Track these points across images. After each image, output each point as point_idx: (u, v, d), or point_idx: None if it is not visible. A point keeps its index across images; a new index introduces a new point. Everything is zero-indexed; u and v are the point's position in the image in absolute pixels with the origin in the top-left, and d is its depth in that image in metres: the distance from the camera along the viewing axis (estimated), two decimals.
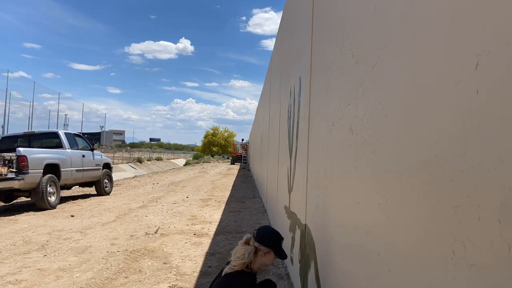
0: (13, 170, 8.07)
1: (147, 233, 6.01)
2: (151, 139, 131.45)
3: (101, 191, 11.20)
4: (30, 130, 11.23)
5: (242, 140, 39.13)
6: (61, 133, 10.02)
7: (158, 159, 39.25)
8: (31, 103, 32.14)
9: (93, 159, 10.92)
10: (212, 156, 66.54)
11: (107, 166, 11.77)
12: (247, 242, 2.32)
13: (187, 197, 11.03)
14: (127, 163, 28.51)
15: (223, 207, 9.00)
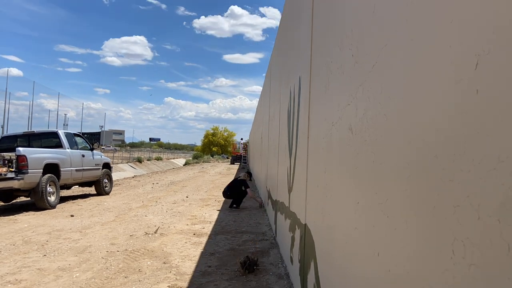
0: (13, 169, 8.07)
1: (146, 233, 6.01)
2: (150, 139, 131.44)
3: (101, 191, 11.21)
4: (29, 130, 11.22)
5: (242, 139, 39.12)
6: (61, 133, 10.02)
7: (158, 159, 39.24)
8: (31, 103, 32.12)
9: (93, 158, 10.92)
10: (212, 156, 66.59)
11: (106, 166, 11.77)
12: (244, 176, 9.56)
13: (187, 196, 11.03)
14: (126, 163, 28.50)
15: (223, 207, 9.00)
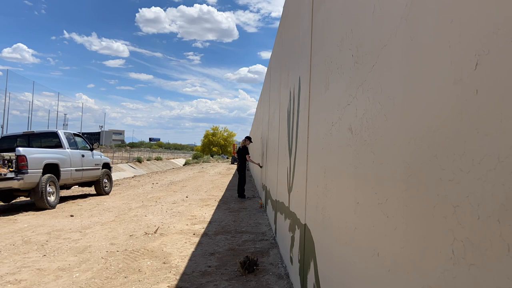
0: (13, 170, 8.07)
1: (146, 233, 6.01)
2: (150, 139, 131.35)
3: (101, 191, 11.21)
4: (29, 130, 11.23)
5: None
6: (61, 133, 10.02)
7: (158, 159, 39.22)
8: (31, 102, 32.08)
9: (93, 158, 10.93)
10: (212, 156, 66.59)
11: (106, 165, 11.78)
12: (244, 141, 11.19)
13: (187, 196, 11.02)
14: (126, 163, 28.49)
15: (223, 207, 8.99)
